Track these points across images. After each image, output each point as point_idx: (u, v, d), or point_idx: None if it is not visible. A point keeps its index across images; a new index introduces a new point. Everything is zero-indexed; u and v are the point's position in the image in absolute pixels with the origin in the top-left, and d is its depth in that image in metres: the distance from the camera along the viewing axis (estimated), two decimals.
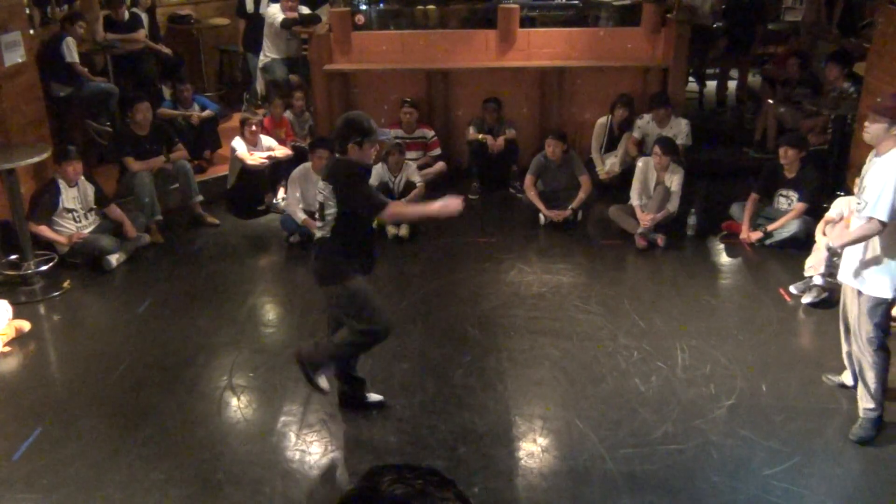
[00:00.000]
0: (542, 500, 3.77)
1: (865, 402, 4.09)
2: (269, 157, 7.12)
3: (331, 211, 3.91)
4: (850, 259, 4.00)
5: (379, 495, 1.28)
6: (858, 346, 4.05)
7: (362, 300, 3.97)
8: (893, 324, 5.00)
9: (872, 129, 3.86)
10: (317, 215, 4.11)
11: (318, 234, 4.05)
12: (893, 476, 3.88)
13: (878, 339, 3.98)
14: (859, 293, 3.97)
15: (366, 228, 4.05)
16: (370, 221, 4.09)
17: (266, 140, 7.27)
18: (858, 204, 3.93)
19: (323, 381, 4.17)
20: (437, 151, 7.82)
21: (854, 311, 4.04)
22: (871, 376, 4.03)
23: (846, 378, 4.42)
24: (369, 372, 4.74)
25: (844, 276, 4.08)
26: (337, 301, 4.04)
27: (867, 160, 4.04)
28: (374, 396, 4.45)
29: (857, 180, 4.10)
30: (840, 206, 5.55)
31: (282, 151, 7.29)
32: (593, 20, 9.01)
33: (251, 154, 7.06)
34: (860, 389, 4.11)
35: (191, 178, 7.02)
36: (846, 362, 4.36)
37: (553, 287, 5.80)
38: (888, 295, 3.91)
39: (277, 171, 7.25)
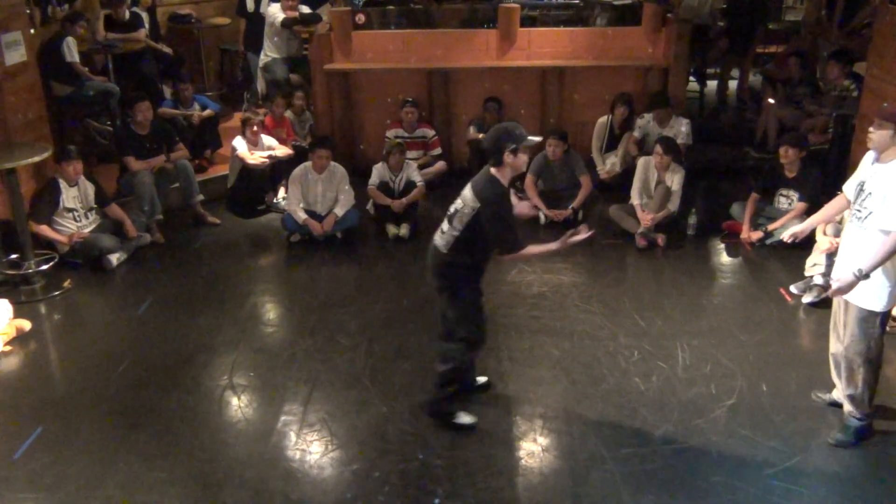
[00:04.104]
0: (542, 500, 3.77)
1: (850, 409, 4.07)
2: (269, 157, 7.13)
3: (458, 226, 3.86)
4: (843, 269, 3.91)
5: None
6: (847, 356, 4.00)
7: (469, 316, 4.03)
8: (894, 323, 5.02)
9: (877, 136, 3.78)
10: (446, 221, 3.99)
11: (440, 240, 3.99)
12: (894, 476, 3.88)
13: (866, 352, 3.93)
14: (848, 303, 3.93)
15: (487, 252, 4.01)
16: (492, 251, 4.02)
17: (267, 139, 7.28)
18: (859, 212, 3.85)
19: (463, 417, 4.20)
20: (438, 151, 7.83)
21: (844, 321, 3.99)
22: (859, 387, 4.00)
23: (836, 395, 4.32)
24: (370, 371, 4.75)
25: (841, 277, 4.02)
26: (447, 305, 4.07)
27: (865, 161, 3.99)
28: (481, 378, 4.54)
29: (853, 185, 4.01)
30: (838, 202, 5.53)
31: (282, 151, 7.30)
32: (594, 21, 8.99)
33: (252, 153, 7.07)
34: (846, 394, 4.07)
35: (191, 178, 7.03)
36: (832, 364, 4.30)
37: (553, 287, 5.80)
38: (878, 308, 3.85)
39: (278, 171, 7.25)
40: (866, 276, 3.76)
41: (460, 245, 3.91)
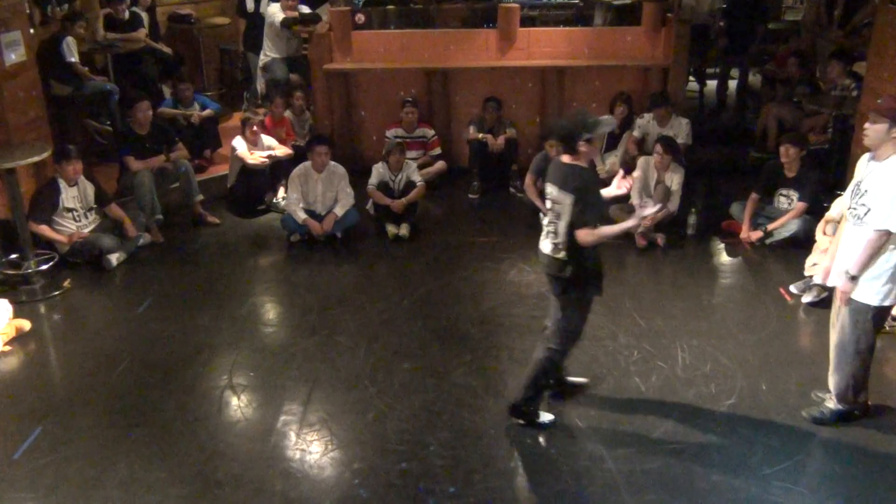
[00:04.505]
0: (541, 500, 3.77)
1: (834, 394, 4.12)
2: (269, 157, 7.13)
3: (564, 223, 3.85)
4: (841, 265, 3.94)
5: None
6: (838, 346, 4.04)
7: (572, 324, 4.03)
8: (893, 323, 5.02)
9: (872, 131, 3.80)
10: (547, 226, 3.98)
11: (548, 246, 3.95)
12: (894, 476, 3.88)
13: (856, 344, 3.95)
14: (848, 298, 3.93)
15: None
16: None
17: (267, 139, 7.28)
18: (856, 209, 3.87)
19: (545, 416, 4.21)
20: (437, 151, 7.83)
21: (839, 312, 4.01)
22: (842, 376, 4.04)
23: None
24: (370, 371, 4.75)
25: (835, 280, 4.03)
26: (563, 306, 4.04)
27: (861, 162, 4.00)
28: (579, 379, 4.53)
29: (851, 186, 4.01)
30: (840, 205, 5.54)
31: (282, 151, 7.30)
32: (593, 20, 9.02)
33: (251, 153, 7.07)
34: (832, 381, 4.13)
35: (191, 178, 7.02)
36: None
37: None
38: (874, 302, 3.87)
39: (277, 171, 7.25)
40: (855, 277, 3.81)
41: (573, 243, 3.88)
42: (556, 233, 3.92)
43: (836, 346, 4.07)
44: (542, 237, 4.05)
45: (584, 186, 3.81)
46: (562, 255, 3.91)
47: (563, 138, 3.88)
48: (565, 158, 3.89)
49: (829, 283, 4.12)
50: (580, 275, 3.93)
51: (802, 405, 4.32)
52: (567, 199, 3.83)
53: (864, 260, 3.79)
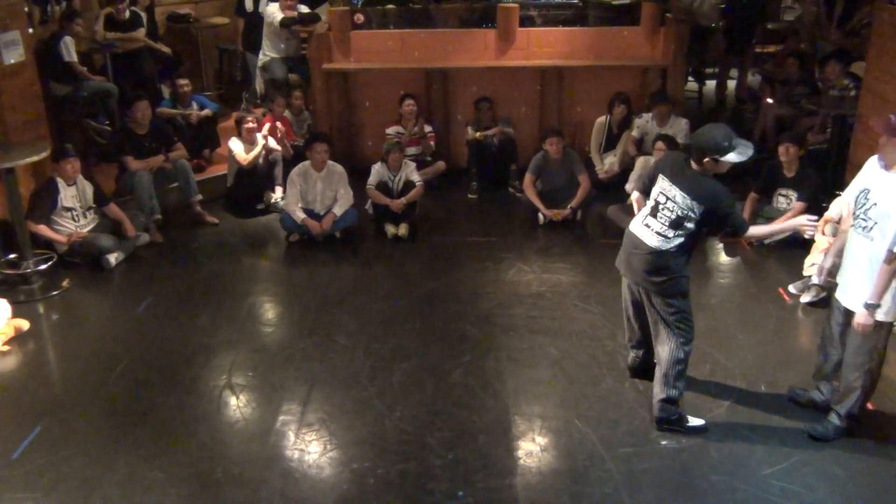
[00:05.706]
0: (541, 499, 3.77)
1: (840, 410, 4.09)
2: (263, 147, 7.10)
3: (689, 225, 3.94)
4: (849, 280, 3.89)
5: None
6: (847, 364, 4.00)
7: (688, 311, 4.18)
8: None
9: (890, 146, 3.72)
10: (656, 221, 4.05)
11: (654, 240, 4.03)
12: (893, 475, 3.88)
13: (868, 362, 3.91)
14: (851, 312, 3.89)
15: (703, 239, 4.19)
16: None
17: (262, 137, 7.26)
18: (864, 221, 3.77)
19: (694, 420, 4.21)
20: (433, 143, 7.81)
21: (846, 330, 3.98)
22: (853, 396, 4.01)
23: (815, 395, 4.34)
24: (369, 371, 4.75)
25: (841, 295, 3.99)
26: (666, 308, 4.14)
27: (869, 167, 3.91)
28: None
29: (856, 190, 3.92)
30: (839, 205, 5.53)
31: (275, 144, 7.27)
32: (592, 20, 8.99)
33: (248, 153, 7.06)
34: (842, 402, 4.07)
35: (190, 177, 7.02)
36: (816, 377, 4.32)
37: (552, 286, 5.80)
38: (883, 318, 3.81)
39: (277, 171, 7.25)
40: (878, 305, 3.75)
41: (689, 239, 4.01)
42: (680, 230, 3.97)
43: (846, 366, 4.00)
44: (643, 232, 4.09)
45: (722, 197, 3.91)
46: (675, 251, 4.01)
47: (697, 148, 3.94)
48: (695, 166, 3.97)
49: (843, 303, 4.00)
50: (681, 267, 4.07)
51: (803, 415, 4.32)
52: (697, 206, 3.89)
53: (883, 287, 3.71)
